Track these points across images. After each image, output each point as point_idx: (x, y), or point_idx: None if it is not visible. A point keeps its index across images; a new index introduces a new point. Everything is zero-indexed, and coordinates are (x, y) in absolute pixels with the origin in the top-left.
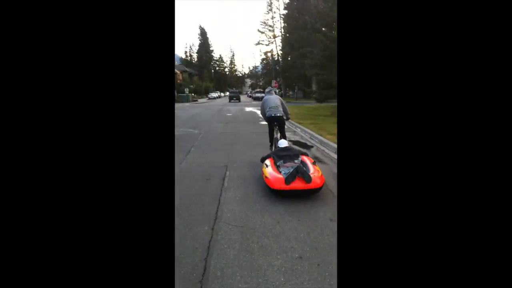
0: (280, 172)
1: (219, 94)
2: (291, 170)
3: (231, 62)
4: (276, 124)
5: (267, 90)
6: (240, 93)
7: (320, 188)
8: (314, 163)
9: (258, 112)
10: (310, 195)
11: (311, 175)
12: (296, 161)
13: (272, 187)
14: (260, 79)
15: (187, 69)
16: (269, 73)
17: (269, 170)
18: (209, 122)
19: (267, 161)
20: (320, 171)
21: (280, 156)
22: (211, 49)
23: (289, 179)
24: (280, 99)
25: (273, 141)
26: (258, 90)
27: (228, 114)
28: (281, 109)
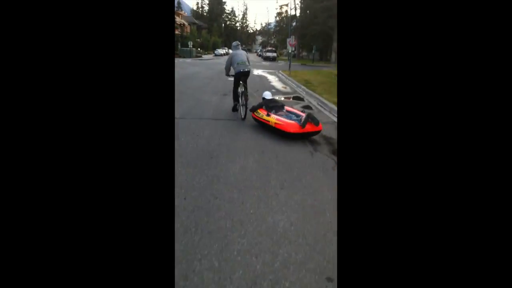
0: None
1: (226, 50)
2: (299, 116)
3: (243, 17)
4: (244, 78)
5: (234, 44)
6: (250, 51)
7: (320, 130)
8: (302, 110)
9: (270, 77)
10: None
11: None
12: (284, 110)
13: (288, 131)
14: (272, 37)
15: (196, 21)
16: (283, 30)
17: (275, 117)
18: (203, 91)
19: (261, 112)
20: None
21: (270, 107)
22: (223, 0)
23: (305, 123)
24: (246, 54)
25: (238, 97)
26: (269, 49)
27: (230, 79)
28: (247, 63)
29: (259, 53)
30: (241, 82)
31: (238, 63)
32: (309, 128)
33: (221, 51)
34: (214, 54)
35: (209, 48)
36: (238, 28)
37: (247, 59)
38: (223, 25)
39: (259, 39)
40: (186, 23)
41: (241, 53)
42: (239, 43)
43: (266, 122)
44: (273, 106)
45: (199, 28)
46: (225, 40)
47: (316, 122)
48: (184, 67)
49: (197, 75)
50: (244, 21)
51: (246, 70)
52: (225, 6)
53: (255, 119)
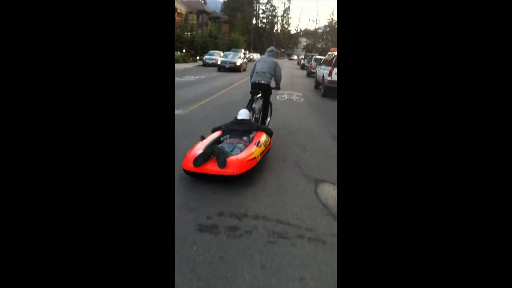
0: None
1: (231, 58)
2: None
3: (285, 12)
4: (257, 92)
5: (269, 49)
6: (290, 55)
7: (237, 176)
8: (259, 143)
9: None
10: (225, 181)
11: (232, 159)
12: (245, 138)
13: (183, 166)
14: (320, 40)
15: (207, 9)
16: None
17: (198, 145)
18: None
19: (215, 133)
20: (255, 153)
21: (229, 130)
22: None
23: (198, 160)
24: (276, 63)
25: (253, 112)
26: (316, 56)
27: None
28: (269, 75)
29: (302, 61)
30: (257, 97)
31: (256, 72)
32: (207, 168)
33: (217, 56)
34: (203, 63)
35: (223, 49)
36: (277, 26)
37: (273, 69)
38: (254, 19)
39: (303, 41)
40: (183, 11)
41: (266, 60)
42: (274, 49)
43: None
44: (234, 129)
45: (215, 20)
46: (254, 40)
47: (221, 160)
48: None
49: None
50: (286, 17)
51: (263, 82)
52: None
53: None
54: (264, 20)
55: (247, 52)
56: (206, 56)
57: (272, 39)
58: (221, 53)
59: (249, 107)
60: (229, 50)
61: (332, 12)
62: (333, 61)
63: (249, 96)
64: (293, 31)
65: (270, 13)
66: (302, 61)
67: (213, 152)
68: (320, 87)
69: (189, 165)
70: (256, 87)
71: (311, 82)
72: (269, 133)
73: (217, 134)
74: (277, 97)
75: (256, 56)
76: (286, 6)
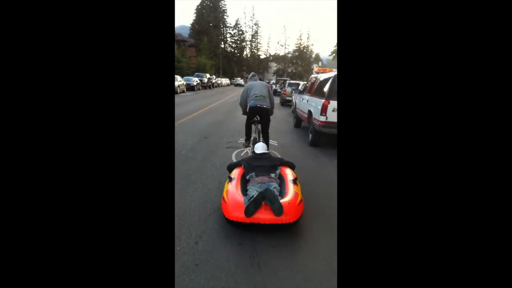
0: (246, 192)
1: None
2: (257, 193)
3: (253, 37)
4: (257, 119)
5: (250, 75)
6: (262, 80)
7: (295, 222)
8: (295, 181)
9: None
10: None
11: (285, 203)
12: (272, 175)
13: (226, 215)
14: (290, 64)
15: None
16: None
17: (231, 188)
18: None
19: (235, 171)
20: (300, 194)
21: (253, 167)
22: (222, 8)
23: (250, 208)
24: (268, 87)
25: (250, 133)
26: (291, 81)
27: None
28: (268, 100)
29: (274, 86)
30: (256, 123)
31: (256, 96)
32: (259, 216)
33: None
34: None
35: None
36: (246, 51)
37: (269, 93)
38: (222, 43)
39: (273, 66)
40: None
41: (260, 84)
42: (255, 73)
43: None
44: (258, 166)
45: (179, 43)
46: (223, 64)
47: (277, 207)
48: None
49: None
50: (255, 42)
51: (264, 106)
52: (225, 17)
53: None
54: (233, 45)
55: (213, 77)
56: None
57: (242, 63)
58: (179, 77)
59: (250, 128)
60: (193, 74)
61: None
62: (327, 89)
63: None
64: (262, 56)
65: (238, 37)
66: (274, 87)
67: (265, 197)
68: (308, 130)
69: (238, 215)
70: (256, 112)
71: (287, 114)
72: (293, 167)
73: (239, 171)
74: (233, 153)
75: (224, 81)
76: (254, 30)
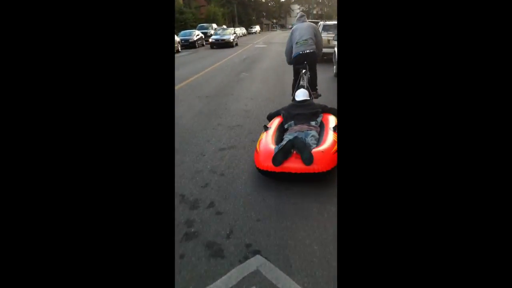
0: (281, 141)
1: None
2: (287, 141)
3: None
4: (304, 65)
5: (298, 16)
6: (283, 26)
7: (326, 173)
8: (335, 128)
9: None
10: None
11: (318, 152)
12: (313, 123)
13: (257, 165)
14: (315, 5)
15: None
16: None
17: (265, 138)
18: None
19: (275, 121)
20: (336, 143)
21: (292, 115)
22: None
23: (278, 157)
24: (315, 27)
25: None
26: (327, 22)
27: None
28: (311, 42)
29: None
30: (303, 70)
31: (297, 42)
32: (289, 165)
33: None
34: None
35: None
36: None
37: (313, 34)
38: None
39: (296, 9)
40: None
41: (303, 27)
42: (303, 14)
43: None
44: (297, 114)
45: None
46: (238, 12)
47: (306, 156)
48: None
49: None
50: None
51: (308, 51)
52: None
53: None
54: None
55: (223, 27)
56: None
57: (260, 9)
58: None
59: (299, 86)
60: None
61: None
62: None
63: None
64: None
65: None
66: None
67: (294, 145)
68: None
69: (267, 164)
70: (301, 59)
71: (329, 79)
72: (336, 113)
73: (278, 120)
74: None
75: (239, 31)
76: None
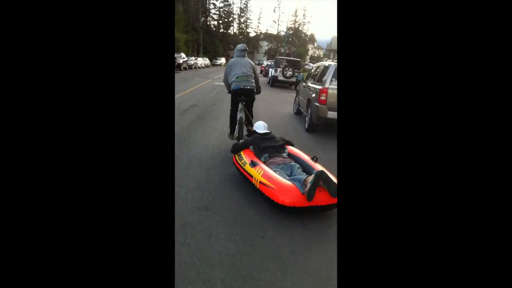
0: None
1: None
2: (300, 175)
3: (242, 12)
4: (243, 99)
5: (237, 48)
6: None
7: None
8: (315, 159)
9: None
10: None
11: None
12: (284, 154)
13: (283, 203)
14: (283, 44)
15: None
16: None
17: (267, 172)
18: None
19: (245, 156)
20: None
21: (261, 148)
22: None
23: (311, 192)
24: (252, 64)
25: (236, 125)
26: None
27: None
28: (252, 79)
29: (271, 70)
30: (241, 104)
31: (238, 77)
32: (319, 199)
33: None
34: None
35: None
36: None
37: (253, 71)
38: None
39: (264, 45)
40: None
41: (243, 63)
42: (246, 47)
43: (247, 175)
44: (266, 146)
45: None
46: (204, 41)
47: (332, 188)
48: None
49: None
50: (243, 17)
51: (248, 87)
52: None
53: (236, 166)
54: (216, 17)
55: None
56: None
57: (228, 40)
58: None
59: (235, 119)
60: None
61: (296, 12)
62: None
63: None
64: (252, 34)
65: (224, 9)
66: (271, 71)
67: (320, 177)
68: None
69: (294, 201)
70: (240, 94)
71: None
72: (293, 146)
73: (250, 153)
74: None
75: (201, 61)
76: (244, 4)
